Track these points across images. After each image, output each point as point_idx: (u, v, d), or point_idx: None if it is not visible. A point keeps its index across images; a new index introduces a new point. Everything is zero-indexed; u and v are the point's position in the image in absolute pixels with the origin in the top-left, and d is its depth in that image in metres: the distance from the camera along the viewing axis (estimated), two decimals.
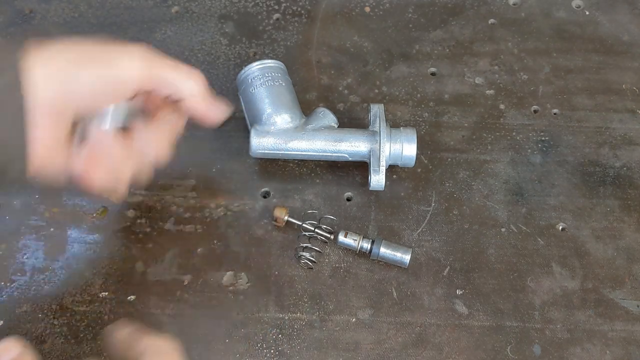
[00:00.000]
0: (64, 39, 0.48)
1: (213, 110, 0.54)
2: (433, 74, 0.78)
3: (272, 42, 0.80)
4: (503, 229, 0.67)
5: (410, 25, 0.82)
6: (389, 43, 0.80)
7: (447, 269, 0.65)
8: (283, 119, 0.66)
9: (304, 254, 0.64)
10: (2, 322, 0.62)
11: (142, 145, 0.53)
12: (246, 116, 0.69)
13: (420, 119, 0.74)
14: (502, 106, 0.75)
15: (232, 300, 0.63)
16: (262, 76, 0.68)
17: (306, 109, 0.72)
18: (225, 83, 0.76)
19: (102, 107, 0.49)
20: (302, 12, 0.83)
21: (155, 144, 0.53)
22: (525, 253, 0.66)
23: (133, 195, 0.69)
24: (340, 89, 0.76)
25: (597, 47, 0.80)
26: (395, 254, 0.63)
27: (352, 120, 0.73)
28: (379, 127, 0.66)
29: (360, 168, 0.70)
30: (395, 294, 0.63)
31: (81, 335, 0.61)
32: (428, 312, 0.62)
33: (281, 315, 0.62)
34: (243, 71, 0.69)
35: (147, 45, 0.50)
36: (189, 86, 0.52)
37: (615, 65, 0.78)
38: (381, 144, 0.65)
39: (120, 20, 0.81)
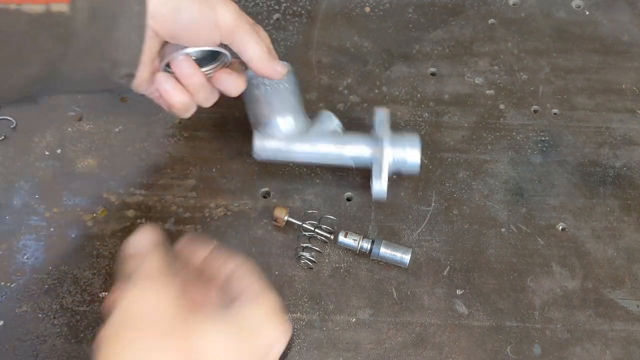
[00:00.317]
0: None
1: (271, 71, 0.60)
2: (433, 74, 0.78)
3: (272, 42, 0.79)
4: (503, 229, 0.67)
5: (410, 25, 0.82)
6: (389, 43, 0.80)
7: (447, 269, 0.65)
8: (287, 122, 0.65)
9: (304, 254, 0.64)
10: (2, 322, 0.62)
11: (215, 79, 0.60)
12: (249, 116, 0.67)
13: (420, 119, 0.74)
14: (502, 106, 0.75)
15: None
16: (270, 81, 0.66)
17: (307, 109, 0.72)
18: None
19: (190, 42, 0.55)
20: (302, 12, 0.83)
21: (225, 81, 0.60)
22: (525, 253, 0.66)
23: (133, 195, 0.69)
24: (340, 89, 0.76)
25: (597, 47, 0.80)
26: (395, 254, 0.63)
27: (352, 121, 0.73)
28: (382, 135, 0.65)
29: (360, 168, 0.70)
30: (395, 294, 0.63)
31: (81, 335, 0.61)
32: (428, 312, 0.62)
33: None
34: (248, 71, 0.66)
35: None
36: (257, 52, 0.58)
37: (615, 65, 0.78)
38: (384, 154, 0.64)
39: None
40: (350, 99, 0.75)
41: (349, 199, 0.69)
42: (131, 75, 0.54)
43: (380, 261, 0.64)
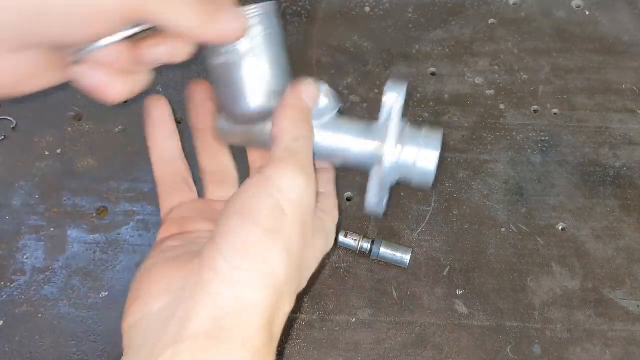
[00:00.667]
0: None
1: (216, 33, 0.42)
2: (433, 74, 0.78)
3: None
4: (503, 229, 0.67)
5: (410, 25, 0.82)
6: (389, 43, 0.80)
7: (447, 269, 0.65)
8: (268, 100, 0.46)
9: None
10: (2, 322, 0.62)
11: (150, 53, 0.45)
12: (214, 91, 0.48)
13: (420, 119, 0.74)
14: (502, 106, 0.75)
15: None
16: (242, 42, 0.44)
17: None
18: None
19: (82, 39, 0.41)
20: (302, 12, 0.83)
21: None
22: (525, 253, 0.66)
23: (133, 195, 0.69)
24: (340, 89, 0.76)
25: (597, 47, 0.80)
26: (395, 254, 0.63)
27: None
28: (389, 126, 0.47)
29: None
30: (395, 294, 0.63)
31: (81, 335, 0.61)
32: (428, 312, 0.62)
33: None
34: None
35: None
36: (182, 19, 0.41)
37: (615, 65, 0.78)
38: (384, 154, 0.46)
39: None
40: (350, 99, 0.75)
41: (349, 199, 0.69)
42: None
43: (380, 261, 0.64)
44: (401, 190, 0.69)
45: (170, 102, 0.51)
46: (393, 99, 0.48)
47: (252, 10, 0.44)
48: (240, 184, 0.45)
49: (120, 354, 0.38)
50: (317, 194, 0.48)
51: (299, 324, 0.62)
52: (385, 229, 0.67)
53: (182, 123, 0.73)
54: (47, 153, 0.72)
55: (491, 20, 0.82)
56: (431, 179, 0.46)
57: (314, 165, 0.44)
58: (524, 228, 0.67)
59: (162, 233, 0.48)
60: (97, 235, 0.67)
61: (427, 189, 0.48)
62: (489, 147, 0.72)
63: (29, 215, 0.68)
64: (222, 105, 0.47)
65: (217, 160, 0.52)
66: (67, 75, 0.44)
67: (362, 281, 0.64)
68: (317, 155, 0.47)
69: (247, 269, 0.38)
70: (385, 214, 0.67)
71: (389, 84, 0.48)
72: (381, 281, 0.64)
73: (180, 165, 0.51)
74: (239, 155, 0.53)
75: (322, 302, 0.63)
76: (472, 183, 0.70)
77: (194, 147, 0.51)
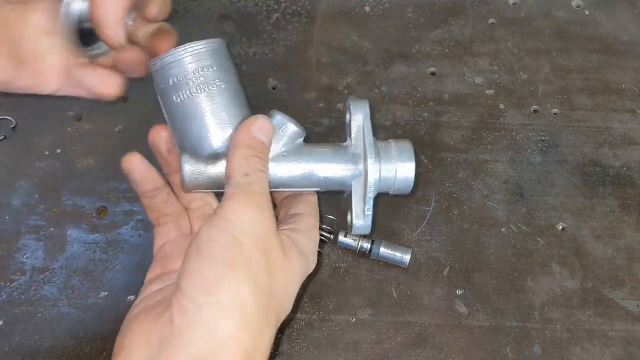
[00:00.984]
0: None
1: (110, 33, 0.46)
2: (433, 74, 0.78)
3: (272, 42, 0.80)
4: (503, 229, 0.67)
5: (410, 25, 0.82)
6: (389, 43, 0.80)
7: (447, 269, 0.65)
8: (228, 140, 0.46)
9: None
10: (2, 322, 0.62)
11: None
12: (173, 135, 0.48)
13: (420, 119, 0.74)
14: (502, 106, 0.75)
15: None
16: (194, 77, 0.45)
17: (306, 109, 0.72)
18: None
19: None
20: (302, 12, 0.83)
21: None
22: (525, 253, 0.66)
23: (133, 195, 0.69)
24: (340, 89, 0.76)
25: (597, 47, 0.80)
26: (395, 254, 0.63)
27: None
28: (364, 146, 0.48)
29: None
30: (395, 294, 0.63)
31: (81, 335, 0.61)
32: (428, 312, 0.62)
33: None
34: (160, 64, 0.45)
35: None
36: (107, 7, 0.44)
37: (615, 65, 0.78)
38: (369, 175, 0.47)
39: None
40: (351, 98, 0.75)
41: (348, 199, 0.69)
42: None
43: (380, 261, 0.64)
44: None
45: None
46: (360, 119, 0.49)
47: (201, 45, 0.45)
48: None
49: None
50: (288, 218, 0.50)
51: (299, 324, 0.62)
52: (385, 229, 0.67)
53: None
54: (47, 153, 0.72)
55: (491, 20, 0.82)
56: (411, 188, 0.49)
57: (270, 194, 0.45)
58: (524, 228, 0.67)
59: (150, 274, 0.50)
60: (97, 235, 0.67)
61: (406, 195, 0.50)
62: (489, 147, 0.72)
63: (29, 215, 0.68)
64: (183, 146, 0.47)
65: (198, 197, 0.53)
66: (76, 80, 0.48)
67: (362, 281, 0.64)
68: (290, 184, 0.48)
69: (213, 304, 0.38)
70: (386, 213, 0.67)
71: (351, 105, 0.49)
72: (381, 281, 0.64)
73: (172, 207, 0.52)
74: None
75: (322, 302, 0.63)
76: (472, 183, 0.70)
77: (173, 190, 0.52)
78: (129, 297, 0.63)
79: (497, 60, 0.79)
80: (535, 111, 0.75)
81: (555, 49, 0.79)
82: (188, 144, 0.46)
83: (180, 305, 0.39)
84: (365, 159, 0.47)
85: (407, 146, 0.49)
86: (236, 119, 0.46)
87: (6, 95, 0.54)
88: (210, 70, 0.45)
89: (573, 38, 0.80)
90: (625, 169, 0.71)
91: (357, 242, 0.64)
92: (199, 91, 0.44)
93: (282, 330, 0.61)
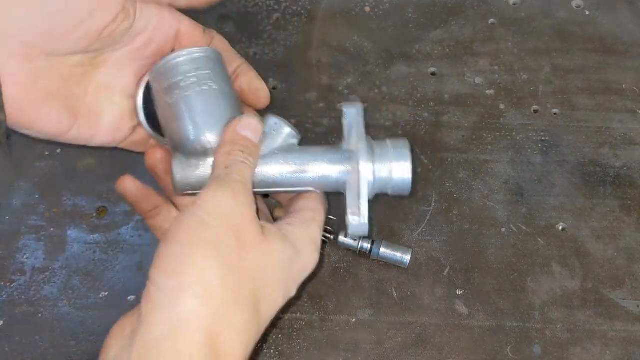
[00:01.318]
0: None
1: None
2: (433, 74, 0.78)
3: (272, 42, 0.80)
4: (503, 229, 0.67)
5: (410, 25, 0.82)
6: (389, 43, 0.80)
7: (447, 269, 0.65)
8: (218, 140, 0.47)
9: None
10: (2, 322, 0.62)
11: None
12: (165, 135, 0.49)
13: (420, 119, 0.74)
14: (502, 106, 0.75)
15: None
16: (185, 78, 0.46)
17: (306, 109, 0.72)
18: None
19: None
20: (302, 12, 0.83)
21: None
22: (525, 253, 0.66)
23: None
24: (340, 89, 0.76)
25: (597, 47, 0.80)
26: (395, 254, 0.63)
27: None
28: (357, 144, 0.48)
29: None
30: (395, 294, 0.63)
31: (81, 335, 0.61)
32: (428, 312, 0.62)
33: (281, 315, 0.62)
34: (156, 71, 0.47)
35: None
36: None
37: (615, 65, 0.78)
38: (360, 174, 0.47)
39: None
40: (350, 99, 0.75)
41: None
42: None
43: (380, 261, 0.64)
44: None
45: None
46: (352, 119, 0.49)
47: (196, 50, 0.47)
48: None
49: None
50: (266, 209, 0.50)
51: (299, 324, 0.62)
52: (385, 229, 0.67)
53: None
54: (47, 153, 0.72)
55: (491, 20, 0.82)
56: (409, 188, 0.48)
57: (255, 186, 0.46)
58: (524, 228, 0.67)
59: None
60: (97, 235, 0.67)
61: (405, 196, 0.51)
62: (489, 147, 0.72)
63: (29, 215, 0.68)
64: (175, 147, 0.48)
65: None
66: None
67: (362, 281, 0.64)
68: (283, 183, 0.48)
69: (173, 284, 0.38)
70: (386, 213, 0.67)
71: (346, 107, 0.50)
72: (381, 281, 0.64)
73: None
74: None
75: (322, 302, 0.63)
76: (472, 183, 0.70)
77: (178, 210, 0.53)
78: (129, 297, 0.63)
79: (497, 60, 0.79)
80: (535, 111, 0.75)
81: (555, 49, 0.79)
82: (179, 144, 0.47)
83: (147, 292, 0.39)
84: (358, 158, 0.47)
85: (403, 144, 0.49)
86: (227, 119, 0.47)
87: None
88: (203, 71, 0.47)
89: (573, 38, 0.80)
90: (625, 169, 0.71)
91: (357, 242, 0.64)
92: (190, 90, 0.46)
93: (282, 330, 0.61)
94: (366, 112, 0.74)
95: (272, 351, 0.60)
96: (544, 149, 0.72)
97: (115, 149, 0.72)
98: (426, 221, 0.67)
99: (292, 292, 0.46)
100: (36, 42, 0.42)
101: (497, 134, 0.73)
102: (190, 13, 0.51)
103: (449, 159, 0.71)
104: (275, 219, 0.65)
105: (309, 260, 0.47)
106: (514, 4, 0.84)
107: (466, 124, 0.74)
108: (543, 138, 0.73)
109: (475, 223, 0.67)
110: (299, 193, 0.51)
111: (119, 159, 0.72)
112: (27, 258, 0.65)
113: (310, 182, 0.49)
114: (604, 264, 0.65)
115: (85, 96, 0.47)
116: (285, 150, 0.49)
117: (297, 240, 0.46)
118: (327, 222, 0.66)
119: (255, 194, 0.46)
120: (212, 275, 0.38)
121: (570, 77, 0.77)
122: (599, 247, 0.66)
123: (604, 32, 0.81)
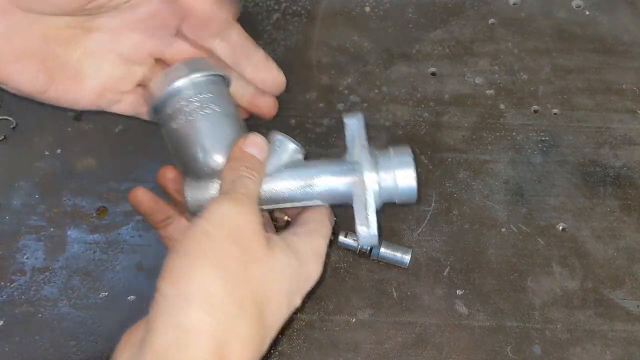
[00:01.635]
0: None
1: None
2: (433, 74, 0.78)
3: (272, 42, 0.80)
4: (503, 229, 0.67)
5: (410, 25, 0.82)
6: (389, 43, 0.80)
7: (447, 269, 0.65)
8: (225, 161, 0.48)
9: None
10: (2, 322, 0.62)
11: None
12: (174, 160, 0.51)
13: (420, 119, 0.74)
14: (502, 106, 0.75)
15: None
16: (188, 102, 0.48)
17: (306, 109, 0.72)
18: None
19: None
20: (302, 12, 0.83)
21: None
22: (525, 253, 0.66)
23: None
24: (340, 89, 0.76)
25: (597, 47, 0.80)
26: (395, 254, 0.63)
27: None
28: (359, 156, 0.49)
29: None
30: (395, 294, 0.63)
31: (81, 335, 0.61)
32: (428, 312, 0.62)
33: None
34: (158, 98, 0.49)
35: None
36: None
37: (615, 65, 0.78)
38: (366, 185, 0.49)
39: None
40: (350, 99, 0.75)
41: None
42: None
43: (380, 261, 0.64)
44: None
45: None
46: (354, 131, 0.50)
47: (198, 74, 0.48)
48: None
49: None
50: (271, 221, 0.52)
51: (299, 324, 0.62)
52: (385, 229, 0.67)
53: None
54: (47, 153, 0.72)
55: (491, 20, 0.82)
56: (415, 195, 0.50)
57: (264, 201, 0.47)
58: (524, 228, 0.67)
59: None
60: (97, 235, 0.67)
61: (412, 204, 0.52)
62: (489, 147, 0.72)
63: (29, 215, 0.68)
64: (185, 170, 0.50)
65: None
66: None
67: (362, 281, 0.64)
68: (290, 198, 0.49)
69: (178, 294, 0.38)
70: (386, 213, 0.67)
71: (346, 119, 0.51)
72: (381, 281, 0.64)
73: None
74: None
75: (322, 302, 0.63)
76: (472, 183, 0.70)
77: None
78: (129, 297, 0.63)
79: (497, 60, 0.79)
80: (536, 111, 0.75)
81: (555, 49, 0.79)
82: (188, 167, 0.49)
83: (154, 301, 0.39)
84: (362, 170, 0.49)
85: (406, 152, 0.50)
86: (232, 140, 0.48)
87: (6, 95, 0.54)
88: (205, 95, 0.48)
89: (573, 38, 0.80)
90: (625, 169, 0.71)
91: (357, 242, 0.64)
92: (194, 115, 0.47)
93: (282, 330, 0.61)
94: (366, 112, 0.74)
95: (272, 351, 0.60)
96: (544, 149, 0.72)
97: (114, 149, 0.72)
98: (426, 221, 0.67)
99: (297, 302, 0.46)
100: None
101: (497, 134, 0.73)
102: None
103: (449, 159, 0.71)
104: (274, 220, 0.66)
105: (313, 271, 0.48)
106: (514, 4, 0.84)
107: (466, 124, 0.74)
108: (543, 138, 0.73)
109: (475, 223, 0.67)
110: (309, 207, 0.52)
111: (120, 159, 0.72)
112: (27, 258, 0.65)
113: (318, 195, 0.50)
114: (604, 264, 0.65)
115: (68, 59, 0.47)
116: (291, 166, 0.50)
117: (301, 251, 0.46)
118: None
119: (264, 210, 0.47)
120: (216, 286, 0.39)
121: (570, 77, 0.77)
122: (599, 247, 0.66)
123: (604, 32, 0.81)
